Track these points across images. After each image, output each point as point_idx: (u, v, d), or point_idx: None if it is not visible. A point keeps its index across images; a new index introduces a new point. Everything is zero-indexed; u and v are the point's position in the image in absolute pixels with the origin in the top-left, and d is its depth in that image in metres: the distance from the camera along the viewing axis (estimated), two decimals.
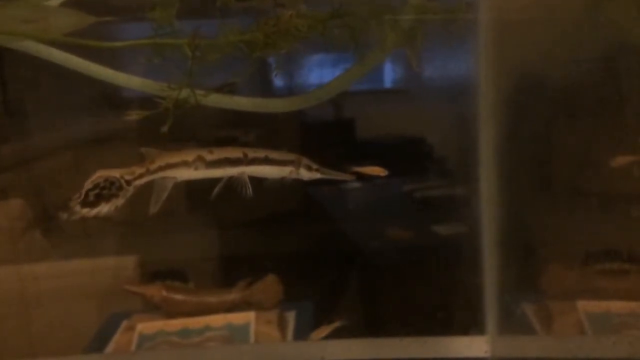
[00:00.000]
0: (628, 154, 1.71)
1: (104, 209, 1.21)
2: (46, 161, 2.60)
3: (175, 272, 2.41)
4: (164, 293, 2.26)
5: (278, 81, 2.70)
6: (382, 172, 1.46)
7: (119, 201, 1.22)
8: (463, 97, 2.05)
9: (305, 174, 1.38)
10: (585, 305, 1.95)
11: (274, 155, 1.36)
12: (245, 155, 1.32)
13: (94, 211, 1.20)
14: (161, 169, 1.26)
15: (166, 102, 1.12)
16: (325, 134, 2.92)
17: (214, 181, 1.34)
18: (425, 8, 1.19)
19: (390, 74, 2.90)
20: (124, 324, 2.27)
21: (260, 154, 1.34)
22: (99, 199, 1.20)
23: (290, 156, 1.38)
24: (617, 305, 1.92)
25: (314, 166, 1.39)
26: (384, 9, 1.16)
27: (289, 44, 1.12)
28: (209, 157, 1.30)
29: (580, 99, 1.87)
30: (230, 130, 2.80)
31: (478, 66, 1.93)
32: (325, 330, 2.02)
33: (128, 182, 1.22)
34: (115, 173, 1.21)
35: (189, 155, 1.29)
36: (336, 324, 2.00)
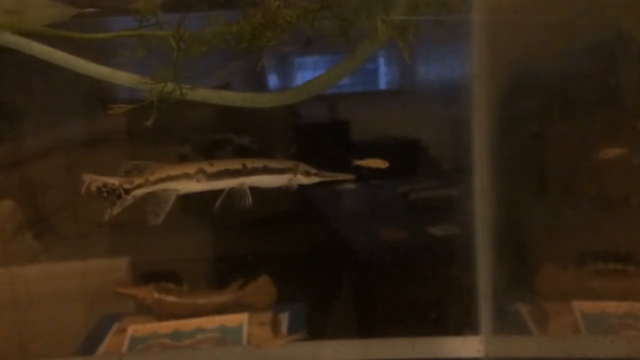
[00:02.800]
0: (617, 146, 1.71)
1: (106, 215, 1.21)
2: (37, 162, 2.59)
3: (168, 274, 2.39)
4: (156, 295, 2.25)
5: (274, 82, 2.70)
6: (383, 164, 1.45)
7: (116, 210, 1.21)
8: (457, 98, 2.04)
9: (303, 180, 1.38)
10: (581, 306, 1.94)
11: (272, 164, 1.35)
12: (245, 166, 1.32)
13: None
14: (161, 180, 1.26)
15: (150, 96, 1.10)
16: (319, 136, 2.91)
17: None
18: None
19: (383, 75, 2.89)
20: (116, 326, 2.26)
21: (259, 164, 1.34)
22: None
23: (288, 164, 1.37)
24: (612, 306, 1.90)
25: (312, 171, 1.38)
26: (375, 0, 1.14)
27: (277, 35, 1.11)
28: (210, 169, 1.29)
29: (573, 98, 1.87)
30: (224, 132, 2.79)
31: (471, 67, 1.92)
32: (283, 340, 2.01)
33: (127, 191, 1.21)
34: (113, 180, 1.21)
35: (190, 168, 1.29)
36: (297, 336, 1.99)
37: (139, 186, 1.23)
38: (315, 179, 1.39)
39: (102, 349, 2.16)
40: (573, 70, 1.84)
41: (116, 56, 1.20)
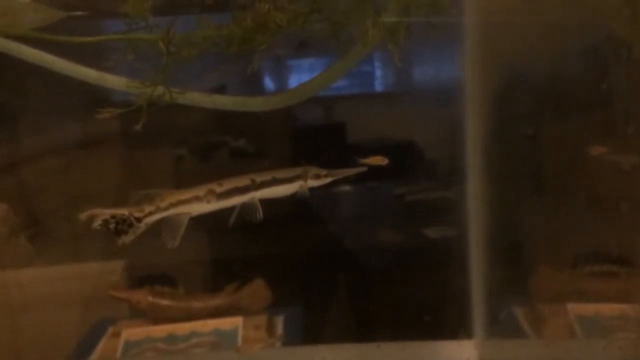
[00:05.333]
0: (608, 144, 1.71)
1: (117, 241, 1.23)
2: (32, 165, 2.58)
3: (163, 277, 2.38)
4: (150, 298, 2.24)
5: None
6: (383, 161, 1.45)
7: (128, 238, 1.23)
8: (450, 100, 2.04)
9: (315, 183, 1.38)
10: (575, 308, 1.94)
11: (280, 174, 1.36)
12: (254, 181, 1.33)
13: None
14: (172, 205, 1.28)
15: (140, 100, 1.10)
16: (315, 138, 2.91)
17: None
18: (409, 1, 1.17)
19: (378, 78, 2.89)
20: (110, 330, 2.25)
21: (268, 176, 1.35)
22: (117, 231, 1.22)
23: (297, 171, 1.38)
24: (607, 308, 1.90)
25: (323, 172, 1.39)
26: (366, 2, 1.13)
27: (268, 39, 1.10)
28: (219, 189, 1.31)
29: (566, 100, 1.87)
30: (221, 135, 2.79)
31: (465, 70, 1.92)
32: (261, 343, 2.01)
33: (138, 220, 1.23)
34: (123, 211, 1.23)
35: (200, 191, 1.31)
36: (276, 339, 2.00)
37: (150, 214, 1.25)
38: (327, 180, 1.39)
39: (96, 353, 2.15)
40: (565, 73, 1.84)
41: (109, 60, 1.20)
